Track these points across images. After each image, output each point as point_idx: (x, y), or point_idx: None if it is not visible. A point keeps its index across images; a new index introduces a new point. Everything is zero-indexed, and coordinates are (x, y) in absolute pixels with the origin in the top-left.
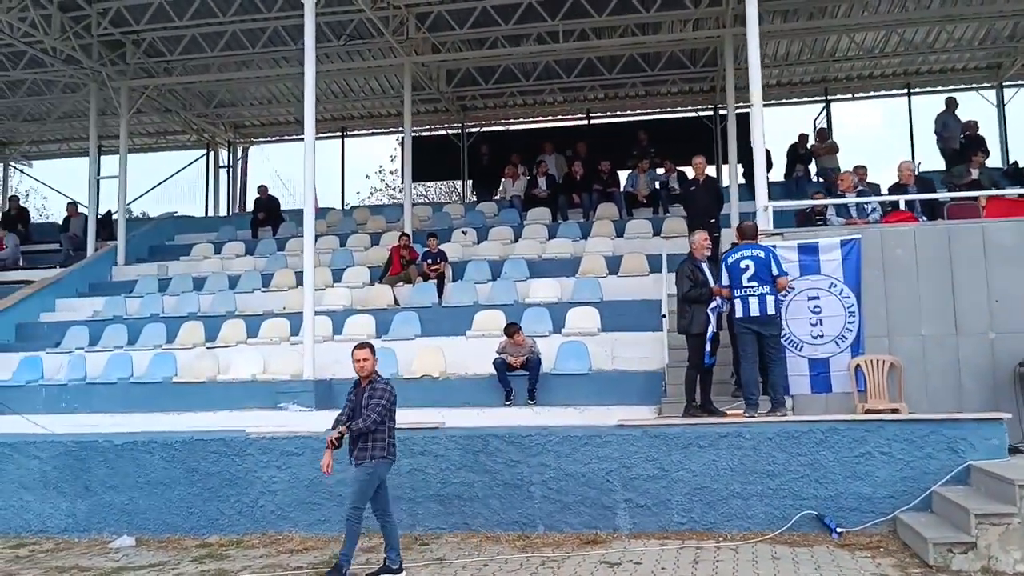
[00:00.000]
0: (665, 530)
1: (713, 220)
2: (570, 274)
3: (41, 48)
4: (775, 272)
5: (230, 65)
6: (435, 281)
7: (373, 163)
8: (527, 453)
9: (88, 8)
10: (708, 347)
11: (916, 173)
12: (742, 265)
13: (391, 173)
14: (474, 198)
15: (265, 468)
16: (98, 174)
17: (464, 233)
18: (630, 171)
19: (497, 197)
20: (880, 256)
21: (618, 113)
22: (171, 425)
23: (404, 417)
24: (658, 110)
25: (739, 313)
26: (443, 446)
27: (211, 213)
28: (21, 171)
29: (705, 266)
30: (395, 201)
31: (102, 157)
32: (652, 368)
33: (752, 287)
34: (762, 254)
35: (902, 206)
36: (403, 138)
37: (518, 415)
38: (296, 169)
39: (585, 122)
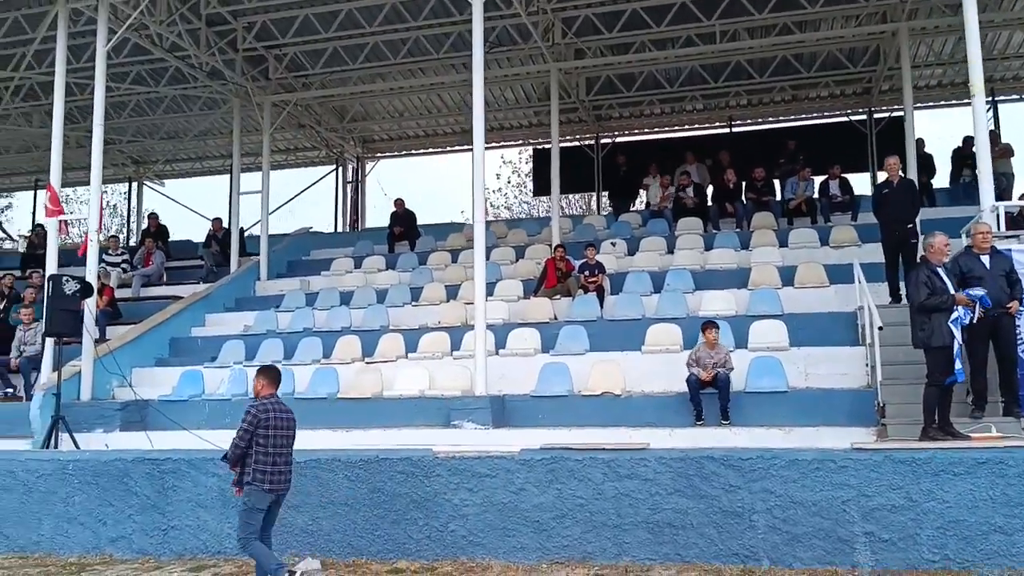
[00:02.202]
0: (914, 568)
1: (911, 226)
2: (739, 285)
3: (188, 63)
4: None
5: (367, 78)
6: (595, 293)
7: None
8: (748, 478)
9: (234, 22)
10: (958, 363)
11: None
12: None
13: (495, 191)
14: (609, 209)
15: (455, 490)
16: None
17: (613, 244)
18: (788, 178)
19: (640, 207)
20: None
21: (760, 120)
22: (339, 442)
23: (588, 437)
24: (804, 116)
25: None
26: (652, 469)
27: (340, 228)
28: (155, 190)
29: (942, 271)
30: (499, 219)
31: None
32: (853, 386)
33: None
34: None
35: None
36: (534, 149)
37: (716, 436)
38: (400, 185)
39: (727, 130)
